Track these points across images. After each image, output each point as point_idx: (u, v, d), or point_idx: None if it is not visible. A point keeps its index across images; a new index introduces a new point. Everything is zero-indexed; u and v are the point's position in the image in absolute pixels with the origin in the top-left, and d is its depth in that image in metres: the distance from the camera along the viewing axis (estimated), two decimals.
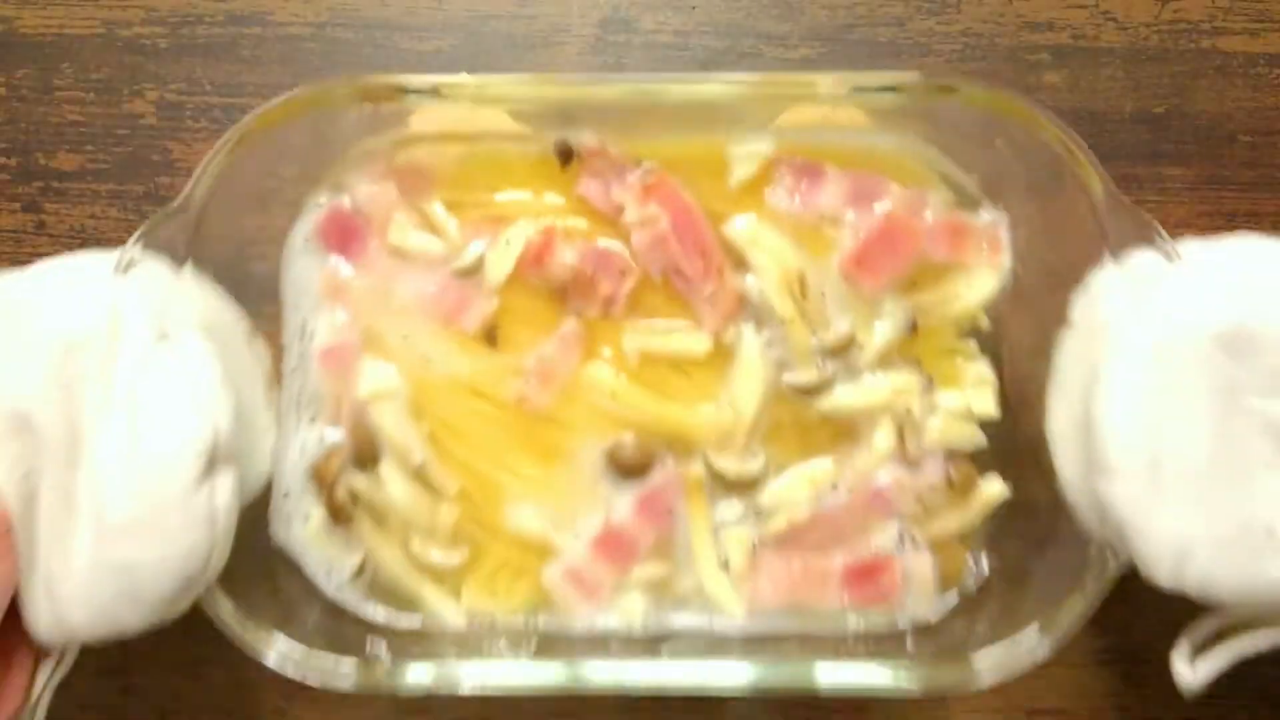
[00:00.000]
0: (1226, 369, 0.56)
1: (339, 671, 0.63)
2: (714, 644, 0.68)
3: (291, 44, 0.79)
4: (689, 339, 0.69)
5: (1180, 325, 0.57)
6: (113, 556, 0.56)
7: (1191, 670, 0.61)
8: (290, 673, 0.63)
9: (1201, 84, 0.80)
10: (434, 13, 0.79)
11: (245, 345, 0.65)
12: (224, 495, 0.57)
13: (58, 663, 0.62)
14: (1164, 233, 0.61)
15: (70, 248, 0.73)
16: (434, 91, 0.65)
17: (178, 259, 0.61)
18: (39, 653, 0.61)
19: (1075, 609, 0.61)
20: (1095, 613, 0.71)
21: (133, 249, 0.60)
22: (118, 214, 0.78)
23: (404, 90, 0.65)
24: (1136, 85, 0.80)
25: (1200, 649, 0.61)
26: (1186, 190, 0.79)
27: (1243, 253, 0.59)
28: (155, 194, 0.78)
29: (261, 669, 0.73)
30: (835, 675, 0.63)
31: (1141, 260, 0.60)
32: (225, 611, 0.62)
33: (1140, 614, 0.75)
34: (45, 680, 0.61)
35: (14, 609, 0.57)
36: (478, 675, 0.64)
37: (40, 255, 0.73)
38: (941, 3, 0.80)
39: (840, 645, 0.68)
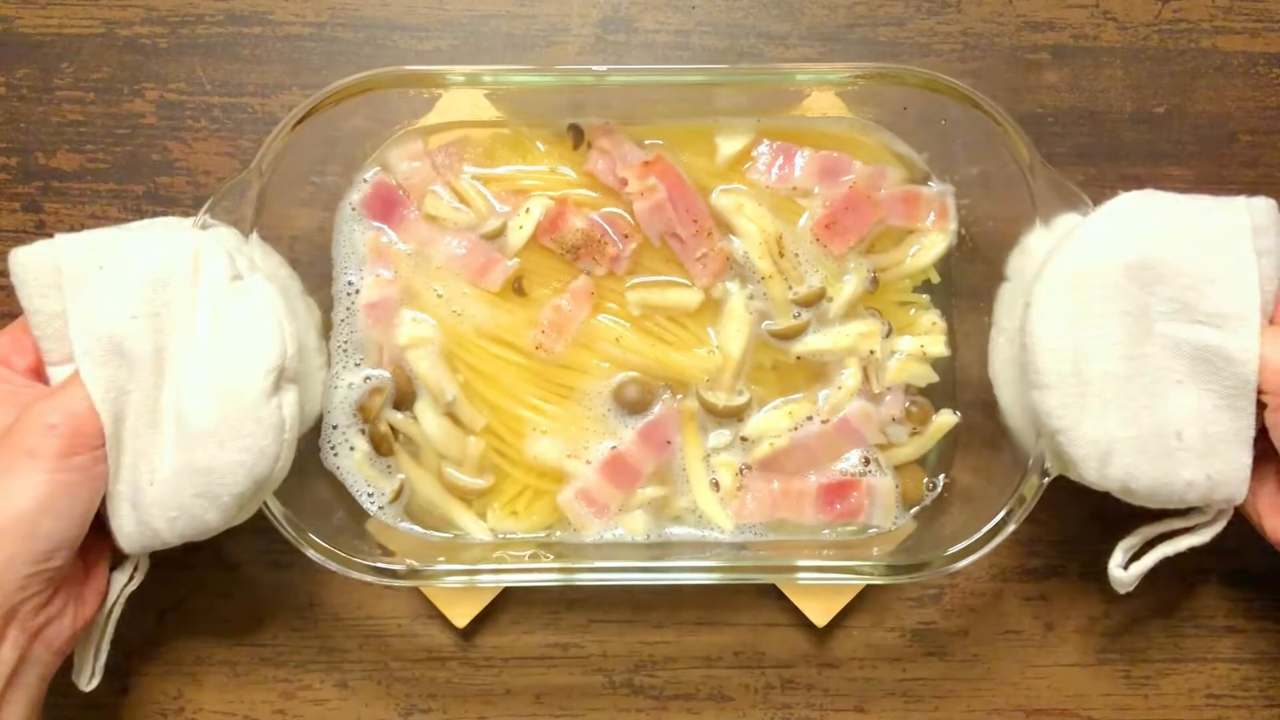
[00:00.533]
0: (1138, 297, 0.64)
1: (377, 568, 0.70)
2: (707, 552, 0.75)
3: (291, 44, 0.80)
4: (683, 293, 0.77)
5: (1095, 258, 0.65)
6: (194, 459, 0.63)
7: (1124, 572, 0.69)
8: (335, 569, 0.69)
9: (1201, 84, 0.81)
10: (434, 12, 0.81)
11: (301, 299, 0.72)
12: (290, 408, 0.65)
13: (132, 573, 0.69)
14: (1085, 197, 0.68)
15: None
16: (469, 80, 0.71)
17: (245, 224, 0.68)
18: (114, 563, 0.69)
19: (1015, 514, 0.68)
20: (1095, 620, 0.80)
21: (204, 216, 0.67)
22: (118, 214, 0.80)
23: (443, 78, 0.71)
24: (1136, 85, 0.81)
25: (1132, 560, 0.69)
26: (1186, 190, 0.75)
27: (1146, 203, 0.67)
28: (155, 193, 0.80)
29: (260, 669, 0.80)
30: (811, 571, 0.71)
31: (1065, 220, 0.68)
32: (283, 519, 0.69)
33: (1137, 618, 0.80)
34: (120, 589, 0.69)
35: (97, 523, 0.64)
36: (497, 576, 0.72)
37: None
38: (941, 3, 0.81)
39: (814, 551, 0.75)
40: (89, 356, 0.63)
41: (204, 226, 0.67)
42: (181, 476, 0.63)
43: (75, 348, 0.63)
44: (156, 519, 0.64)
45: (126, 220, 0.75)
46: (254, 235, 0.69)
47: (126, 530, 0.65)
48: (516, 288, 0.76)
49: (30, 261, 0.64)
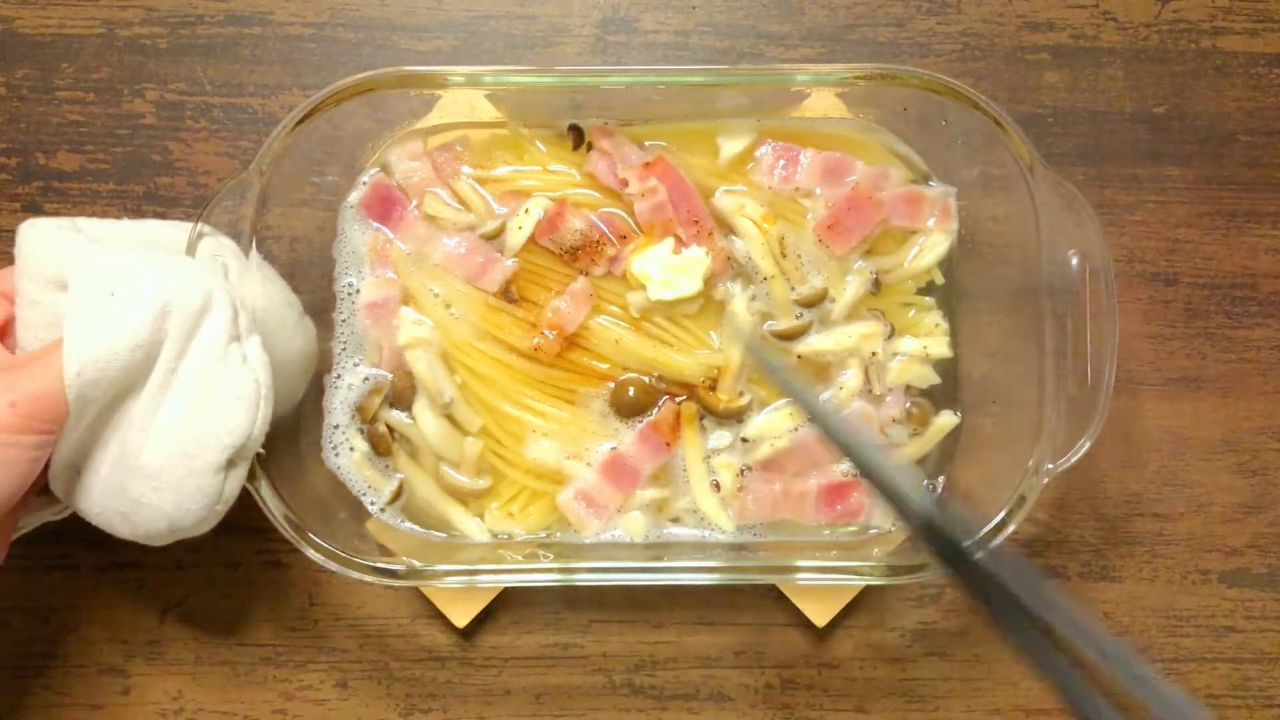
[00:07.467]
0: None
1: (377, 568, 0.69)
2: (707, 553, 0.75)
3: (292, 44, 0.80)
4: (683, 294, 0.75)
5: None
6: (128, 486, 0.63)
7: None
8: (335, 569, 0.69)
9: (1201, 84, 0.81)
10: (433, 13, 0.81)
11: (298, 325, 0.71)
12: (233, 485, 0.65)
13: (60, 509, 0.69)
14: (1083, 198, 0.68)
15: None
16: (469, 81, 0.71)
17: (245, 224, 0.68)
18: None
19: (1015, 514, 0.68)
20: (1093, 618, 0.79)
21: (202, 225, 0.67)
22: (118, 214, 0.79)
23: (443, 79, 0.71)
24: (1136, 85, 0.81)
25: None
26: (1186, 190, 0.79)
27: None
28: (155, 194, 0.80)
29: (260, 669, 0.80)
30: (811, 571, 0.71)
31: None
32: (283, 519, 0.68)
33: (1137, 618, 0.80)
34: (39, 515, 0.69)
35: None
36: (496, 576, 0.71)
37: None
38: (941, 3, 0.81)
39: (815, 552, 0.74)
40: (80, 376, 0.61)
41: (201, 235, 0.66)
42: (111, 491, 0.63)
43: (67, 367, 0.60)
44: (83, 500, 0.64)
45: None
46: (254, 255, 0.68)
47: (59, 484, 0.64)
48: (510, 297, 0.76)
49: (39, 250, 0.63)
